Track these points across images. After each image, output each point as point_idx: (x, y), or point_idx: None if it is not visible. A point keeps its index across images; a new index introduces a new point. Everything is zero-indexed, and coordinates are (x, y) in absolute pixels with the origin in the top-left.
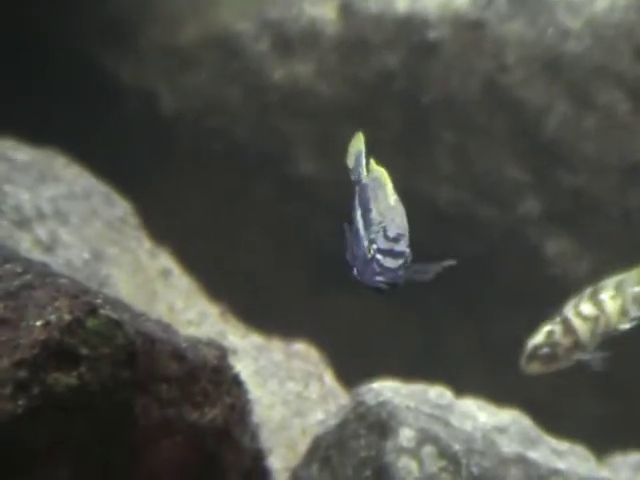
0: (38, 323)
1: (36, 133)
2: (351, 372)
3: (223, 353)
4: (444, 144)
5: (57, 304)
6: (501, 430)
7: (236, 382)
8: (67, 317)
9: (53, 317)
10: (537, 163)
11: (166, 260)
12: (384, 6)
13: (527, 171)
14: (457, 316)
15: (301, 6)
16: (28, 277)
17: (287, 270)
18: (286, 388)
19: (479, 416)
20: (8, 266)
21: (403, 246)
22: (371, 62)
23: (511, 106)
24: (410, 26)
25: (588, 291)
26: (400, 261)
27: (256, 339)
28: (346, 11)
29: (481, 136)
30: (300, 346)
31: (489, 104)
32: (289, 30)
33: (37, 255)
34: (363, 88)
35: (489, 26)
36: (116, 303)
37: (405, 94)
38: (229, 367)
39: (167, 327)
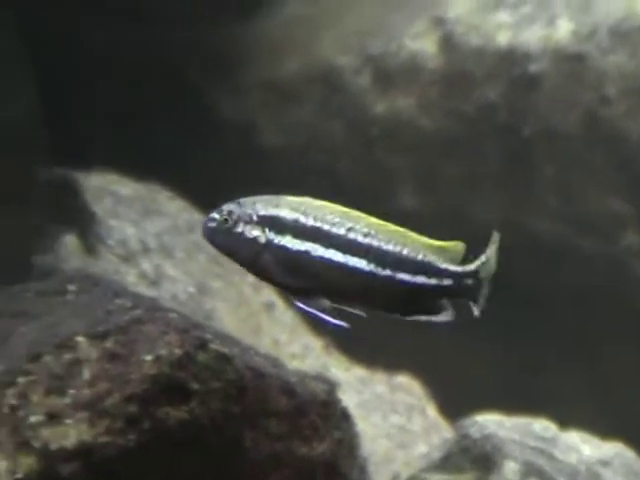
0: (148, 358)
1: (138, 166)
2: (453, 405)
3: (331, 387)
4: (545, 176)
5: (167, 339)
6: (605, 463)
7: (344, 416)
8: (177, 352)
9: (163, 352)
10: (639, 195)
11: (269, 294)
12: (485, 39)
13: (629, 203)
14: (560, 350)
15: (402, 40)
16: (138, 312)
17: None
18: (389, 421)
19: (583, 449)
20: (118, 301)
21: None
22: (472, 95)
23: (612, 138)
24: (511, 59)
25: None
26: None
27: (359, 372)
28: (447, 45)
29: (582, 168)
30: (403, 379)
31: (590, 136)
32: (390, 64)
33: (143, 289)
34: (464, 121)
35: (590, 59)
36: (226, 337)
37: (506, 127)
38: (337, 401)
39: (276, 362)
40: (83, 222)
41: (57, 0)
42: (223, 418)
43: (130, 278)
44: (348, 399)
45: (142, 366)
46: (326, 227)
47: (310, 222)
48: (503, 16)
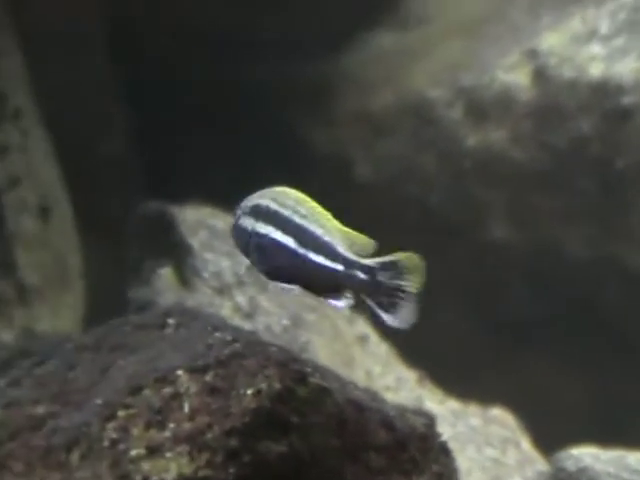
0: (249, 392)
1: (232, 200)
2: (547, 437)
3: (430, 421)
4: (638, 208)
5: (267, 372)
6: None
7: (443, 450)
8: (277, 386)
9: (264, 385)
10: None
11: (363, 326)
12: (578, 72)
13: None
14: None
15: (494, 73)
16: (238, 346)
17: (481, 334)
18: (484, 454)
19: None
20: (218, 334)
21: None
22: (565, 128)
23: None
24: (604, 92)
25: None
26: None
27: (453, 404)
28: (540, 77)
29: None
30: (497, 411)
31: None
32: (483, 97)
33: (237, 321)
34: (557, 154)
35: None
36: (325, 371)
37: (599, 160)
38: (436, 435)
39: (375, 395)
40: (179, 255)
41: (155, 32)
42: (323, 452)
43: (225, 311)
44: (442, 432)
45: (242, 400)
46: (279, 211)
47: (272, 208)
48: (596, 48)
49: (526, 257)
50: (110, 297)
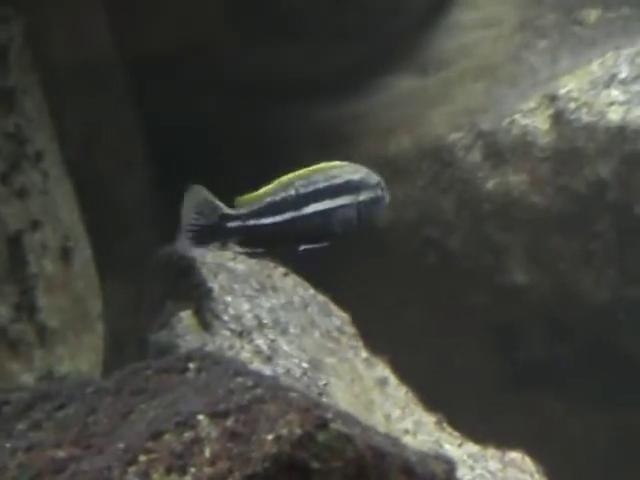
0: (269, 437)
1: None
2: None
3: (451, 467)
4: None
5: (288, 418)
6: None
7: None
8: (298, 431)
9: (284, 431)
10: None
11: (382, 369)
12: (597, 116)
13: None
14: None
15: (513, 117)
16: (259, 391)
17: (500, 377)
18: None
19: None
20: (239, 379)
21: None
22: (584, 172)
23: None
24: (623, 136)
25: None
26: None
27: (472, 448)
28: (558, 121)
29: None
30: (515, 455)
31: None
32: (502, 140)
33: (257, 364)
34: (576, 198)
35: None
36: (346, 417)
37: (618, 204)
38: None
39: (396, 441)
40: (199, 298)
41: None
42: None
43: (245, 354)
44: (461, 475)
45: (263, 445)
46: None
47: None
48: (615, 93)
49: (546, 300)
50: (130, 340)
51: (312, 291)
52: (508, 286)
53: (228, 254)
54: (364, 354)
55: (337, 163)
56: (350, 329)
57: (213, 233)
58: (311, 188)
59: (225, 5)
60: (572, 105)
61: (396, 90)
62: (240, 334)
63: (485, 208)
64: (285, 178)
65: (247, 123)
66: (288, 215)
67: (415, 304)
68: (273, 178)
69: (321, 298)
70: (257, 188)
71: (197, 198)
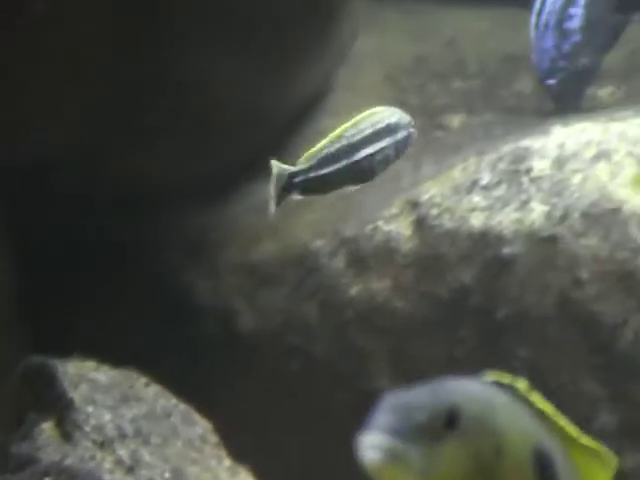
0: None
1: (113, 352)
2: None
3: None
4: (519, 359)
5: None
6: None
7: None
8: None
9: None
10: (612, 377)
11: (246, 477)
12: (459, 222)
13: (602, 385)
14: None
15: (376, 223)
16: None
17: None
18: None
19: None
20: None
21: None
22: (446, 278)
23: (586, 321)
24: (485, 242)
25: None
26: None
27: None
28: (421, 227)
29: (556, 351)
30: None
31: (564, 319)
32: (365, 247)
33: (119, 475)
34: (439, 304)
35: (563, 242)
36: None
37: (480, 310)
38: None
39: None
40: (60, 409)
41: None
42: None
43: (106, 464)
44: None
45: None
46: None
47: None
48: (476, 199)
49: None
50: None
51: (174, 400)
52: (372, 392)
53: (90, 365)
54: (227, 462)
55: (378, 109)
56: (213, 438)
57: (288, 190)
58: (359, 136)
59: (93, 116)
60: (434, 211)
61: (261, 197)
62: (102, 445)
63: (349, 314)
64: (337, 131)
65: (114, 233)
66: (343, 162)
67: (279, 411)
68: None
69: (183, 407)
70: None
71: (274, 170)
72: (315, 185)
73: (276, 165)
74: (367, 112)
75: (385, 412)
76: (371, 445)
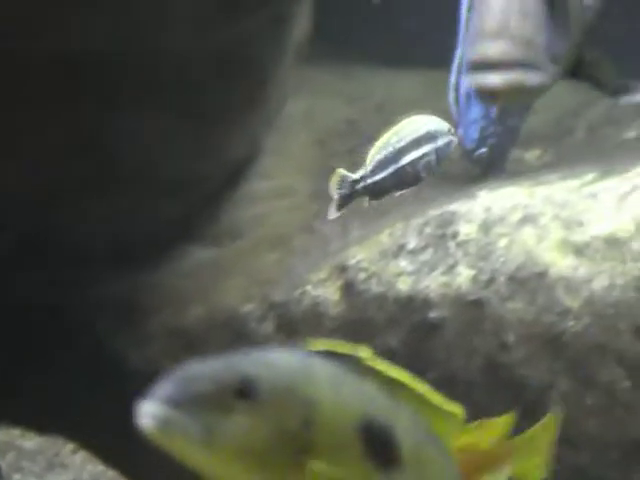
0: None
1: (42, 418)
2: None
3: None
4: None
5: None
6: None
7: None
8: None
9: None
10: None
11: None
12: (386, 286)
13: None
14: None
15: (304, 287)
16: None
17: None
18: None
19: None
20: None
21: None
22: (374, 342)
23: (512, 385)
24: (412, 306)
25: None
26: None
27: None
28: (348, 292)
29: (483, 415)
30: None
31: (490, 383)
32: (293, 311)
33: None
34: None
35: (489, 305)
36: None
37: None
38: None
39: None
40: None
41: None
42: None
43: None
44: None
45: None
46: None
47: None
48: (403, 263)
49: None
50: None
51: (101, 467)
52: None
53: (16, 432)
54: None
55: (417, 117)
56: None
57: (350, 197)
58: (402, 143)
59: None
60: (362, 275)
61: (191, 260)
62: None
63: None
64: (382, 138)
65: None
66: (391, 168)
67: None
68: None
69: (111, 473)
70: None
71: (337, 177)
72: (372, 190)
73: (340, 172)
74: (407, 120)
75: (167, 382)
76: (147, 413)
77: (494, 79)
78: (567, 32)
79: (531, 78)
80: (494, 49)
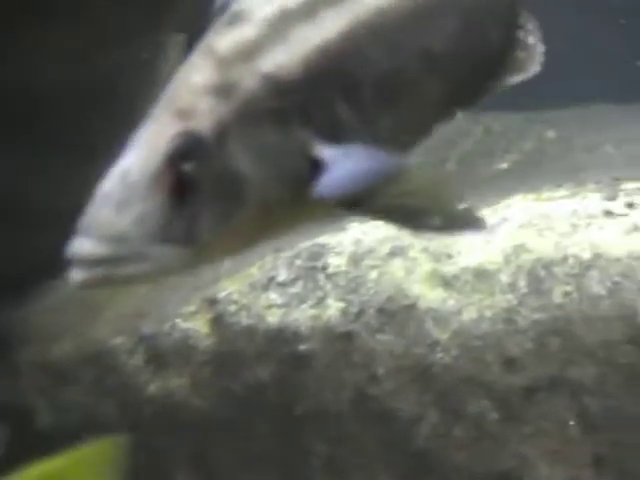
0: None
1: None
2: None
3: None
4: (317, 455)
5: None
6: None
7: None
8: None
9: None
10: (408, 472)
11: None
12: (256, 319)
13: None
14: None
15: (174, 320)
16: None
17: None
18: None
19: None
20: None
21: None
22: (243, 374)
23: (382, 416)
24: (281, 338)
25: None
26: None
27: None
28: (219, 325)
29: (353, 446)
30: None
31: (360, 414)
32: (163, 344)
33: None
34: (236, 400)
35: (359, 337)
36: None
37: (277, 406)
38: None
39: None
40: None
41: None
42: None
43: None
44: None
45: None
46: None
47: None
48: (273, 296)
49: None
50: None
51: None
52: None
53: None
54: None
55: None
56: None
57: None
58: None
59: None
60: (232, 308)
61: (61, 294)
62: None
63: (146, 412)
64: None
65: None
66: None
67: None
68: None
69: None
70: None
71: None
72: None
73: None
74: None
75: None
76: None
77: (78, 275)
78: None
79: (123, 270)
80: (80, 247)
